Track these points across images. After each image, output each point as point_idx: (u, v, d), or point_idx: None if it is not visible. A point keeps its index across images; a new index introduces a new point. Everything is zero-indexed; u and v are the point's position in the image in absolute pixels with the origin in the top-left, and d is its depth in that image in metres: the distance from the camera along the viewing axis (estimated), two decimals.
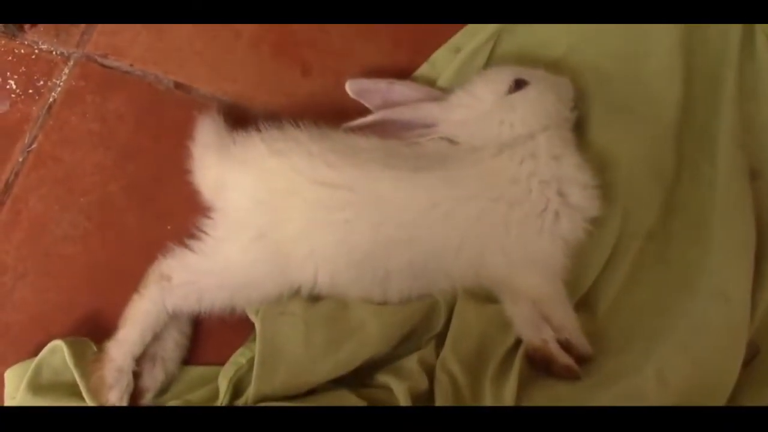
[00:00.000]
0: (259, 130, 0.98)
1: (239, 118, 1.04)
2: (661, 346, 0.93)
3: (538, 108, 0.98)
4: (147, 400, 0.95)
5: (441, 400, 0.90)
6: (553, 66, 1.06)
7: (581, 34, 1.08)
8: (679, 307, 0.96)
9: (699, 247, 0.99)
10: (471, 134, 0.98)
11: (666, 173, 1.02)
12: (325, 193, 0.93)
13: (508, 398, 0.90)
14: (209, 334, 1.01)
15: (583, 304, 0.99)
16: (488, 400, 0.90)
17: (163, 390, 0.97)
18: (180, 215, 1.02)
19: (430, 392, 0.92)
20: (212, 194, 0.98)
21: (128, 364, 0.93)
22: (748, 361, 0.95)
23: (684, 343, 0.92)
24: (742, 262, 0.95)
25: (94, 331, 1.00)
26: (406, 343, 0.97)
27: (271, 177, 0.94)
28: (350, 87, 1.04)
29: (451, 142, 0.99)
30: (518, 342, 0.95)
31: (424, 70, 1.09)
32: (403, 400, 0.89)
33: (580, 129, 1.04)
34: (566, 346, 0.93)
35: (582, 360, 0.94)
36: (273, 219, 0.93)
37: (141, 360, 0.95)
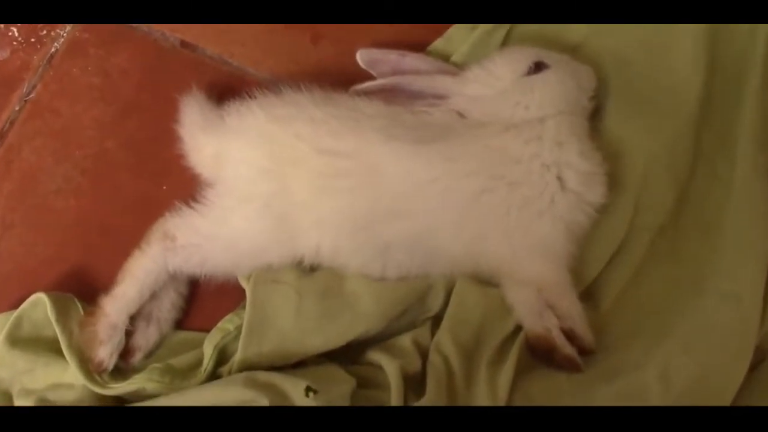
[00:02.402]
0: (254, 97, 0.95)
1: (236, 89, 1.00)
2: (665, 345, 0.90)
3: (556, 93, 0.95)
4: (137, 359, 0.93)
5: (433, 382, 0.87)
6: (573, 50, 1.03)
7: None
8: (687, 305, 0.93)
9: (710, 246, 0.96)
10: (483, 111, 0.95)
11: (682, 168, 0.98)
12: (328, 161, 0.90)
13: (502, 385, 0.86)
14: (197, 299, 0.98)
15: (588, 296, 0.95)
16: (482, 386, 0.87)
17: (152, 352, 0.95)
18: (177, 176, 0.99)
19: (423, 373, 0.89)
20: (212, 171, 0.95)
21: (122, 321, 0.90)
22: (754, 366, 0.92)
23: (690, 343, 0.89)
24: (755, 263, 0.92)
25: (80, 287, 0.97)
26: (400, 321, 0.94)
27: (273, 145, 0.91)
28: (361, 57, 1.01)
29: (460, 115, 0.95)
30: (518, 329, 0.92)
31: (438, 44, 1.06)
32: (394, 378, 0.86)
33: (597, 117, 1.00)
34: (570, 335, 0.90)
35: (584, 352, 0.91)
36: (278, 188, 0.90)
37: (135, 318, 0.92)
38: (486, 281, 0.93)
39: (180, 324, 0.97)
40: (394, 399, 0.84)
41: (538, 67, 0.96)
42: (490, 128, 0.93)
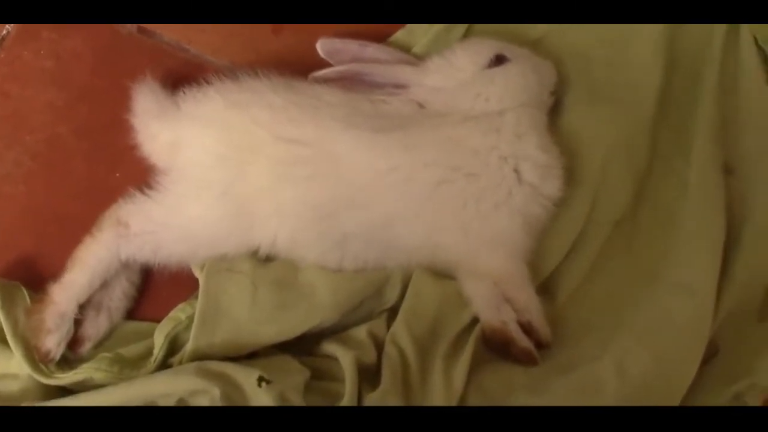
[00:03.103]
0: (211, 83, 0.94)
1: (194, 77, 0.98)
2: (621, 337, 0.90)
3: (517, 86, 0.95)
4: (86, 349, 0.91)
5: (388, 373, 0.86)
6: (533, 45, 1.03)
7: None
8: (641, 297, 0.93)
9: (666, 240, 0.96)
10: (443, 102, 0.95)
11: (639, 164, 0.99)
12: (287, 148, 0.89)
13: (457, 378, 0.86)
14: (150, 289, 0.96)
15: (545, 289, 0.96)
16: (437, 379, 0.86)
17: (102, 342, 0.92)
18: (131, 163, 0.96)
19: (378, 365, 0.88)
20: (168, 160, 0.93)
21: (71, 310, 0.88)
22: (707, 360, 0.92)
23: (645, 336, 0.89)
24: (711, 257, 0.92)
25: (29, 276, 0.94)
26: (357, 313, 0.93)
27: (230, 131, 0.90)
28: (321, 46, 1.00)
29: (420, 106, 0.95)
30: (474, 322, 0.91)
31: (399, 36, 1.05)
32: (348, 370, 0.85)
33: (556, 112, 1.00)
34: (527, 329, 0.90)
35: (541, 346, 0.90)
36: (236, 175, 0.89)
37: (85, 307, 0.90)
38: (443, 274, 0.93)
39: (131, 314, 0.95)
40: (348, 390, 0.83)
41: (499, 59, 0.96)
42: (449, 119, 0.93)
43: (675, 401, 0.87)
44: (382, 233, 0.89)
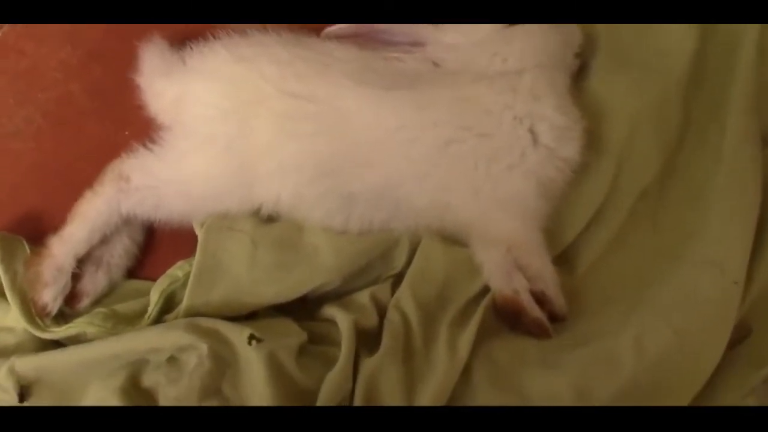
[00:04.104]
0: (218, 38, 0.91)
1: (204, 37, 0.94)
2: (642, 312, 0.85)
3: (536, 45, 0.90)
4: (84, 305, 0.88)
5: (388, 338, 0.82)
6: None
7: None
8: (666, 273, 0.88)
9: (696, 214, 0.90)
10: (459, 60, 0.91)
11: (670, 133, 0.93)
12: (293, 104, 0.86)
13: (462, 346, 0.81)
14: (153, 249, 0.93)
15: (563, 260, 0.90)
16: (441, 346, 0.82)
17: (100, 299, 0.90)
18: (140, 123, 0.94)
19: (380, 330, 0.84)
20: (173, 115, 0.91)
21: (69, 264, 0.86)
22: (738, 342, 0.86)
23: (667, 311, 0.84)
24: (742, 233, 0.86)
25: (33, 232, 0.92)
26: (363, 279, 0.89)
27: (236, 85, 0.87)
28: None
29: (435, 65, 0.90)
30: (484, 291, 0.86)
31: None
32: (345, 331, 0.81)
33: (582, 77, 0.95)
34: (540, 299, 0.85)
35: (555, 318, 0.85)
36: (240, 130, 0.86)
37: (84, 262, 0.88)
38: (454, 240, 0.88)
39: (133, 273, 0.93)
40: (344, 353, 0.79)
41: None
42: (463, 78, 0.88)
43: (699, 381, 0.81)
44: (390, 193, 0.85)
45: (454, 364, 0.81)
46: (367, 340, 0.83)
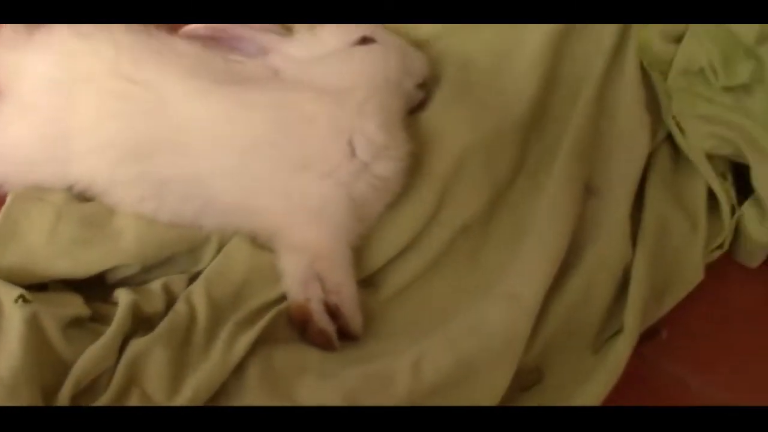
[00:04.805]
0: None
1: None
2: (430, 338, 0.83)
3: (375, 67, 0.93)
4: None
5: (166, 324, 0.81)
6: (420, 45, 1.01)
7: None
8: (470, 308, 0.87)
9: (512, 253, 0.90)
10: (297, 71, 0.93)
11: (500, 172, 0.94)
12: (122, 86, 0.88)
13: (240, 346, 0.80)
14: None
15: (372, 283, 0.90)
16: (220, 343, 0.80)
17: None
18: None
19: (161, 317, 0.82)
20: (9, 84, 0.91)
21: None
22: (530, 386, 0.85)
23: (454, 339, 0.83)
24: (544, 268, 0.86)
25: None
26: (164, 270, 0.89)
27: (70, 59, 0.89)
28: None
29: (275, 73, 0.92)
30: (284, 298, 0.86)
31: None
32: (121, 310, 0.80)
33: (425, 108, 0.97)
34: (334, 313, 0.84)
35: (348, 335, 0.85)
36: (64, 103, 0.87)
37: None
38: (264, 246, 0.88)
39: None
40: (112, 327, 0.78)
41: (365, 41, 0.93)
42: (295, 86, 0.90)
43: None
44: (200, 186, 0.86)
45: (227, 360, 0.79)
46: (148, 325, 0.82)
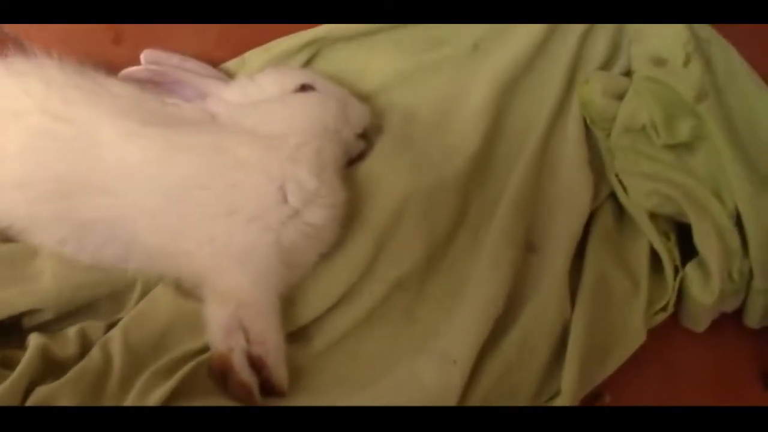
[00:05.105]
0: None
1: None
2: (359, 396, 0.80)
3: (312, 115, 0.91)
4: None
5: (77, 372, 0.77)
6: (365, 97, 1.00)
7: (400, 73, 1.02)
8: (402, 364, 0.83)
9: (447, 311, 0.87)
10: (233, 116, 0.91)
11: (439, 225, 0.92)
12: (49, 124, 0.85)
13: (153, 399, 0.76)
14: None
15: (302, 336, 0.87)
16: (133, 394, 0.77)
17: None
18: None
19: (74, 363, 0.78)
20: None
21: None
22: None
23: (383, 398, 0.80)
24: (477, 327, 0.83)
25: None
26: (84, 315, 0.85)
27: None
28: (145, 56, 0.98)
29: (212, 117, 0.91)
30: (206, 349, 0.82)
31: (232, 64, 1.03)
32: (27, 354, 0.76)
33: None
34: (258, 365, 0.80)
35: (272, 389, 0.80)
36: None
37: None
38: (191, 294, 0.85)
39: None
40: (17, 370, 0.74)
41: (305, 88, 0.92)
42: (228, 129, 0.88)
43: None
44: (123, 229, 0.83)
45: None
46: (60, 370, 0.78)
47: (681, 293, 0.92)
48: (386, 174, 0.91)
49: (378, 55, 1.02)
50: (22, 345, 0.82)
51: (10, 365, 0.79)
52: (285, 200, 0.84)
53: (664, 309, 0.91)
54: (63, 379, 0.76)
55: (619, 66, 1.00)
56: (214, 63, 1.03)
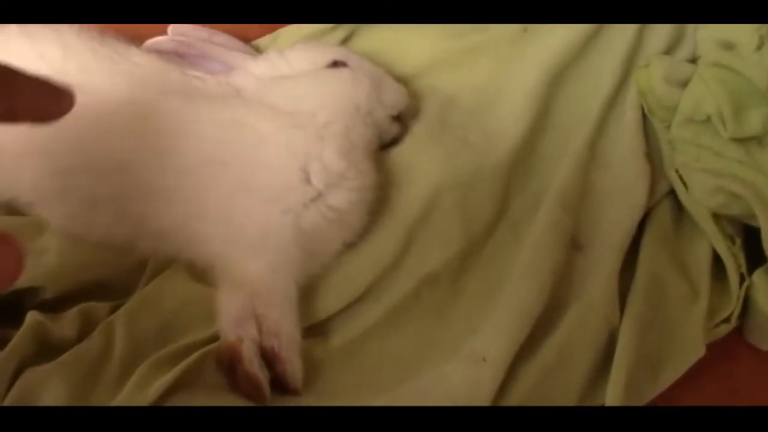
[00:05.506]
0: None
1: None
2: (375, 400, 0.73)
3: (342, 93, 0.84)
4: None
5: (70, 355, 0.71)
6: (400, 79, 0.93)
7: (443, 55, 0.94)
8: (434, 368, 0.75)
9: (481, 311, 0.79)
10: (258, 90, 0.85)
11: (477, 221, 0.84)
12: None
13: (153, 389, 0.69)
14: None
15: (321, 331, 0.80)
16: (131, 384, 0.70)
17: None
18: None
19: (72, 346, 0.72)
20: None
21: None
22: None
23: (413, 401, 0.72)
24: (514, 327, 0.75)
25: None
26: (91, 296, 0.78)
27: (14, 59, 0.82)
28: (173, 29, 0.93)
29: (237, 91, 0.85)
30: (215, 339, 0.75)
31: (265, 40, 0.98)
32: (21, 331, 0.71)
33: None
34: (271, 359, 0.73)
35: (286, 387, 0.73)
36: None
37: None
38: (204, 279, 0.78)
39: None
40: (7, 348, 0.68)
41: (336, 65, 0.86)
42: (252, 105, 0.82)
43: None
44: (136, 206, 0.77)
45: (136, 402, 0.69)
46: (53, 351, 0.72)
47: (746, 304, 0.81)
48: (421, 161, 0.84)
49: (422, 36, 0.95)
50: (20, 326, 0.76)
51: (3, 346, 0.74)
52: (308, 181, 0.78)
53: (726, 321, 0.81)
54: (55, 362, 0.70)
55: (683, 51, 0.92)
56: (247, 40, 0.98)
